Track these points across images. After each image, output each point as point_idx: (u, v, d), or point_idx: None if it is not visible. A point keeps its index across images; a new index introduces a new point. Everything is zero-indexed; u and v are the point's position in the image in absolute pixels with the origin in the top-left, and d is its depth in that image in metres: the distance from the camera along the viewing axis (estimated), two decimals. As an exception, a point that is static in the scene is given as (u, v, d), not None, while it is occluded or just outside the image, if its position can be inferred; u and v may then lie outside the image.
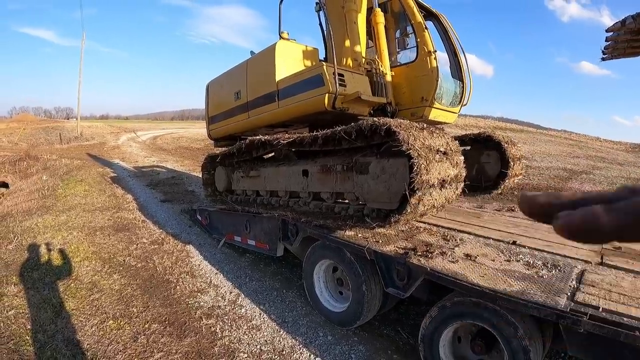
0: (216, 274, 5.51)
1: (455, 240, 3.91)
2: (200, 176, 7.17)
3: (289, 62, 5.48)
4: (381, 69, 5.46)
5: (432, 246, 3.62)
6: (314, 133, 4.07)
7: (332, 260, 4.34)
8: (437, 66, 5.37)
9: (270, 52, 5.43)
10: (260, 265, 5.86)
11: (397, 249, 3.65)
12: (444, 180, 3.47)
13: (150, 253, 6.18)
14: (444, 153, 3.57)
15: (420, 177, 3.09)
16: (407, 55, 5.96)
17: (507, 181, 5.64)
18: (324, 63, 4.87)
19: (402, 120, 3.51)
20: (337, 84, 4.52)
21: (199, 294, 4.89)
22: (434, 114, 5.53)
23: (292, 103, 5.01)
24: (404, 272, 3.38)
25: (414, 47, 5.64)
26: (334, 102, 4.57)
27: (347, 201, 4.32)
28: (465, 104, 6.18)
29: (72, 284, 5.01)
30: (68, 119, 76.61)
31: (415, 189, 3.13)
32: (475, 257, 3.34)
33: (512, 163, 5.53)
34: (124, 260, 5.83)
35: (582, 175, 12.73)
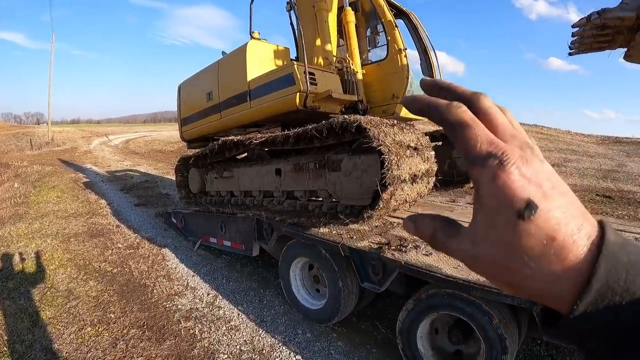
0: (193, 276, 5.49)
1: None
2: (173, 179, 7.11)
3: (261, 62, 5.49)
4: (352, 67, 5.50)
5: (406, 240, 3.64)
6: (286, 132, 4.10)
7: (307, 258, 4.38)
8: (407, 63, 5.44)
9: (241, 52, 5.43)
10: (237, 266, 5.86)
11: (371, 244, 3.70)
12: (415, 175, 3.53)
13: (126, 258, 6.12)
14: (415, 148, 3.63)
15: (392, 172, 3.14)
16: (377, 54, 6.02)
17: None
18: (294, 62, 4.89)
19: (372, 117, 3.56)
20: (308, 83, 4.55)
21: (176, 297, 4.87)
22: (405, 111, 5.60)
23: (264, 103, 5.03)
24: (379, 266, 3.42)
25: (384, 45, 5.70)
26: (305, 101, 4.60)
27: (320, 199, 4.35)
28: None
29: (48, 292, 4.93)
30: (39, 124, 74.73)
31: (387, 184, 3.18)
32: None
33: None
34: (99, 266, 5.76)
35: (554, 168, 12.93)
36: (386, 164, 3.14)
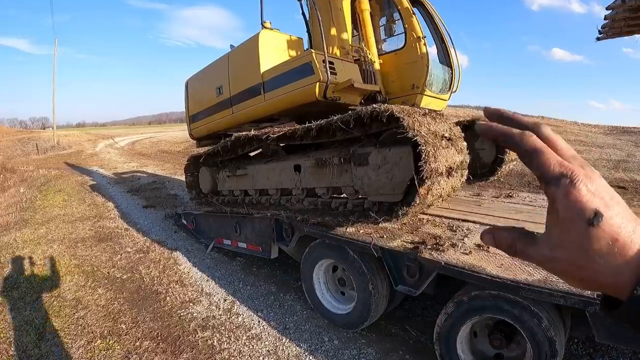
0: (207, 281, 5.19)
1: (462, 230, 3.68)
2: (183, 179, 6.83)
3: (274, 52, 5.19)
4: (369, 56, 5.26)
5: (441, 238, 3.38)
6: (307, 125, 3.80)
7: (332, 260, 4.08)
8: (427, 52, 5.21)
9: (253, 42, 5.13)
10: (253, 269, 5.56)
11: (404, 243, 3.41)
12: (450, 168, 3.29)
13: (136, 263, 5.83)
14: (449, 139, 3.38)
15: (429, 165, 2.87)
16: (393, 43, 5.78)
17: (503, 167, 5.44)
18: (312, 50, 4.58)
19: (403, 106, 3.27)
20: (329, 72, 4.25)
21: (191, 304, 4.57)
22: (425, 102, 5.36)
23: (280, 95, 4.73)
24: (415, 268, 3.15)
25: (401, 33, 5.48)
26: (325, 92, 4.31)
27: (344, 196, 4.07)
28: (455, 91, 6.07)
29: (55, 302, 4.65)
30: (44, 128, 75.14)
31: (424, 178, 2.90)
32: (488, 247, 3.09)
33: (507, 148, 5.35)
34: (108, 273, 5.47)
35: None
36: (423, 156, 2.86)
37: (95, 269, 5.63)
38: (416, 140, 2.89)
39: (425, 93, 5.28)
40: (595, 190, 0.43)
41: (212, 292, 4.88)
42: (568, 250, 0.45)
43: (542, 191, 0.48)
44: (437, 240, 3.34)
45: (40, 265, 5.76)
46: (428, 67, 5.16)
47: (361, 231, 3.79)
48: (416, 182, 2.97)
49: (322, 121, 3.62)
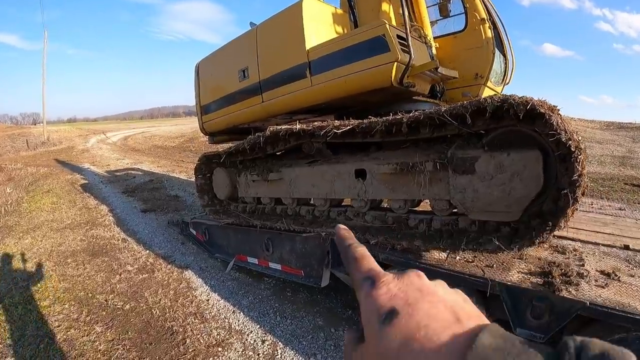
0: (234, 312, 4.12)
1: (571, 251, 3.03)
2: (182, 177, 5.73)
3: (319, 26, 4.15)
4: (429, 38, 4.46)
5: (562, 266, 2.65)
6: (396, 116, 2.78)
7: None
8: (492, 36, 4.46)
9: (294, 13, 4.06)
10: (287, 294, 4.51)
11: (524, 276, 2.63)
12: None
13: (140, 287, 4.73)
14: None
15: (583, 178, 2.16)
16: (447, 25, 4.94)
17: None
18: (385, 21, 3.52)
19: (539, 99, 2.32)
20: (411, 50, 3.28)
21: (219, 349, 3.49)
22: (485, 94, 4.44)
23: (334, 78, 3.69)
24: (544, 308, 2.45)
25: (459, 14, 4.69)
26: (402, 76, 3.31)
27: (428, 210, 3.08)
28: (508, 83, 5.32)
29: (42, 346, 3.57)
30: (35, 124, 73.89)
31: (575, 193, 2.18)
32: (617, 276, 2.55)
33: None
34: (106, 301, 4.37)
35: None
36: (576, 165, 2.14)
37: (90, 294, 4.54)
38: (542, 143, 2.31)
39: (488, 84, 4.55)
40: (399, 289, 0.40)
41: (244, 329, 3.80)
42: (370, 356, 0.39)
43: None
44: (565, 271, 2.58)
45: (21, 290, 4.66)
46: (494, 54, 4.44)
47: (457, 257, 2.85)
48: (569, 196, 2.19)
49: (416, 113, 2.66)
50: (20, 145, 26.06)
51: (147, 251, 5.95)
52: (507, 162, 2.43)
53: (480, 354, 0.30)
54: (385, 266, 3.16)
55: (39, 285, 4.78)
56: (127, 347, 3.54)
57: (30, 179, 12.55)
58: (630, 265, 2.76)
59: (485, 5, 4.76)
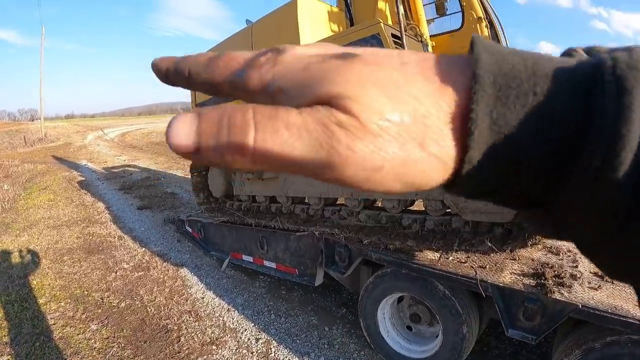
0: (228, 310, 4.14)
1: (564, 252, 2.99)
2: (179, 174, 5.73)
3: (314, 24, 4.15)
4: (425, 37, 4.39)
5: (555, 268, 2.64)
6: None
7: (408, 294, 3.12)
8: (489, 35, 4.46)
9: (289, 10, 4.06)
10: (282, 292, 4.53)
11: (516, 277, 2.63)
12: None
13: (135, 284, 4.75)
14: None
15: None
16: (443, 24, 4.96)
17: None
18: (380, 20, 3.52)
19: None
20: (406, 49, 3.26)
21: (213, 347, 3.52)
22: None
23: (327, 77, 3.69)
24: (536, 310, 2.48)
25: (456, 12, 4.69)
26: None
27: (422, 210, 3.10)
28: None
29: (37, 344, 3.59)
30: (33, 120, 73.73)
31: None
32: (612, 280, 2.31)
33: None
34: (102, 299, 4.40)
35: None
36: None
37: (86, 292, 4.56)
38: None
39: None
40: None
41: (238, 327, 3.83)
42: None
43: None
44: (558, 273, 2.58)
45: (17, 287, 4.67)
46: None
47: (450, 259, 2.86)
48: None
49: None
50: (18, 142, 25.98)
51: (143, 249, 5.96)
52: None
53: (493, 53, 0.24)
54: (377, 266, 3.19)
55: (35, 282, 4.79)
56: (122, 345, 3.56)
57: (27, 175, 12.53)
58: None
59: (482, 4, 4.77)
